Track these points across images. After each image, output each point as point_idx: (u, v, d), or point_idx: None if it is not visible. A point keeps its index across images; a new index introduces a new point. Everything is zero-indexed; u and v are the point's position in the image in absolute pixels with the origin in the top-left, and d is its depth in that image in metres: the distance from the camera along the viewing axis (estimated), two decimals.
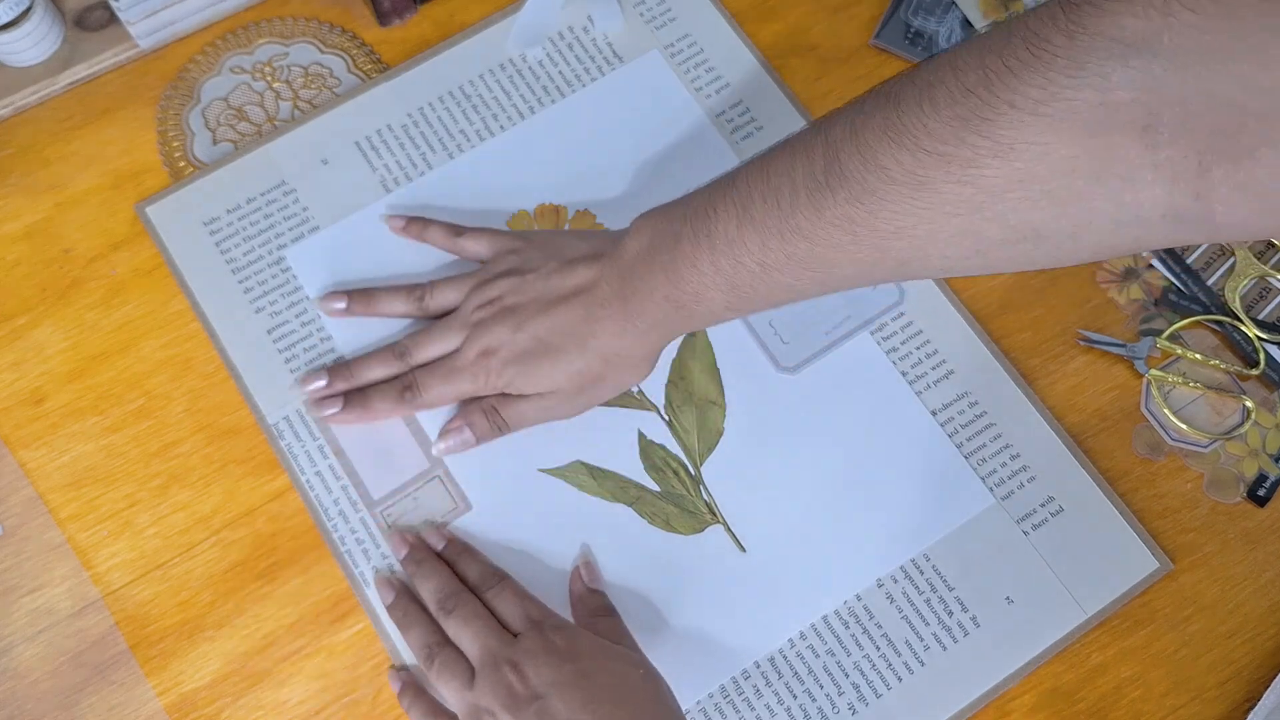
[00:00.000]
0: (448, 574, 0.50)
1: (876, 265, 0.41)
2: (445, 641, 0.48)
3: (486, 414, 0.52)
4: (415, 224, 0.56)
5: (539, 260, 0.52)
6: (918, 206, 0.37)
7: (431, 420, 0.54)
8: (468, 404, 0.53)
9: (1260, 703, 0.50)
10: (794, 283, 0.43)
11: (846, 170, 0.39)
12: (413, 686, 0.49)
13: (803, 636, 0.51)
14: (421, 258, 0.56)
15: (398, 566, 0.51)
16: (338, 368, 0.54)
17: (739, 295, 0.44)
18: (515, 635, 0.47)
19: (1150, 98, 0.32)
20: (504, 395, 0.52)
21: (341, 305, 0.55)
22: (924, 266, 0.40)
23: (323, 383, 0.53)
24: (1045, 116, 0.34)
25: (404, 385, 0.52)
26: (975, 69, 0.35)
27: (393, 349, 0.53)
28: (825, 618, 0.51)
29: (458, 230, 0.56)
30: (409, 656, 0.50)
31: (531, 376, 0.50)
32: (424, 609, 0.50)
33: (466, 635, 0.47)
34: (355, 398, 0.53)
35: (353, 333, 0.55)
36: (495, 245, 0.54)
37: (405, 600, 0.50)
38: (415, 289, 0.54)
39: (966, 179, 0.36)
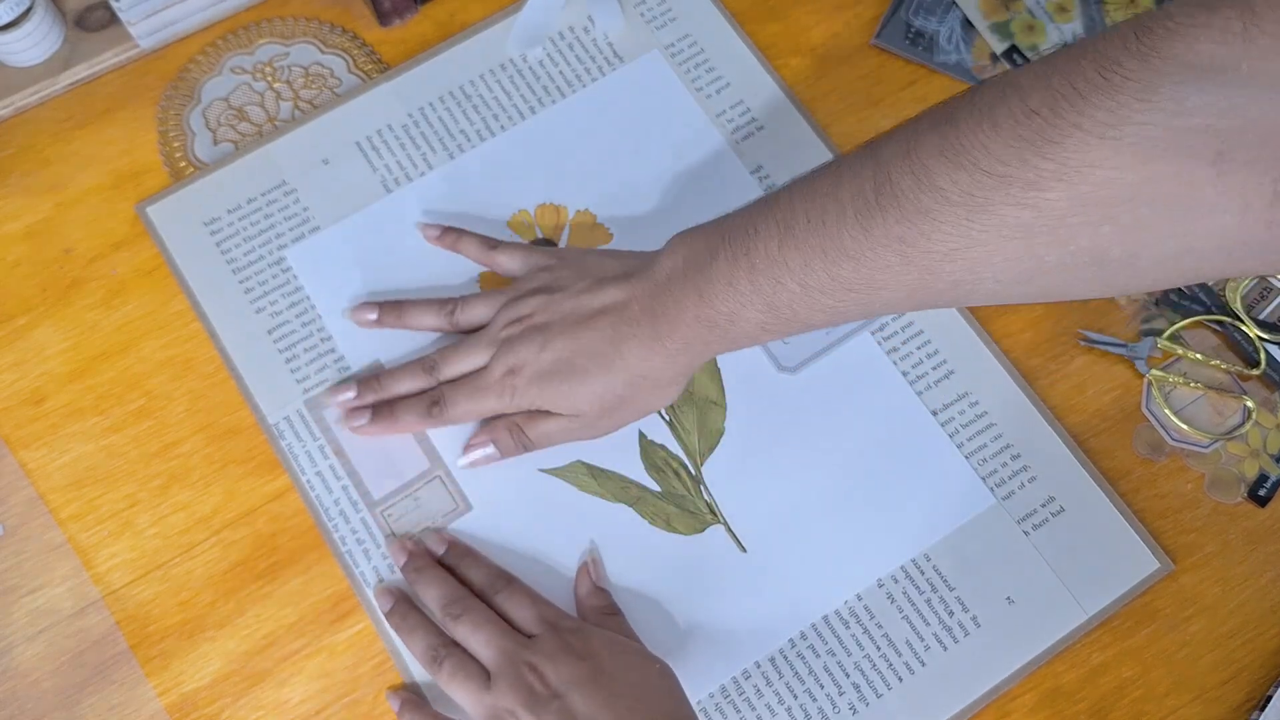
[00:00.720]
0: (451, 579, 0.50)
1: (925, 288, 0.39)
2: (451, 644, 0.48)
3: (511, 431, 0.51)
4: (450, 234, 0.56)
5: (570, 279, 0.51)
6: (974, 229, 0.37)
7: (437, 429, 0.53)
8: (493, 420, 0.52)
9: (1271, 704, 0.50)
10: (836, 304, 0.42)
11: (899, 190, 0.38)
12: (413, 702, 0.49)
13: (803, 636, 0.51)
14: (423, 260, 0.56)
15: (399, 572, 0.51)
16: (367, 380, 0.53)
17: (776, 316, 0.43)
18: (529, 637, 0.47)
19: (1225, 124, 0.31)
20: (530, 413, 0.51)
21: (373, 316, 0.54)
22: (974, 290, 0.39)
23: (352, 394, 0.53)
24: (1113, 140, 0.33)
25: (431, 400, 0.52)
26: (1040, 90, 0.34)
27: (422, 363, 0.53)
28: (825, 618, 0.51)
29: (491, 244, 0.55)
30: (410, 657, 0.50)
31: (555, 397, 0.49)
32: (423, 614, 0.49)
33: (479, 639, 0.47)
34: (383, 410, 0.52)
35: (355, 336, 0.55)
36: (528, 262, 0.54)
37: (404, 606, 0.50)
38: (446, 303, 0.54)
39: (1027, 201, 0.35)
